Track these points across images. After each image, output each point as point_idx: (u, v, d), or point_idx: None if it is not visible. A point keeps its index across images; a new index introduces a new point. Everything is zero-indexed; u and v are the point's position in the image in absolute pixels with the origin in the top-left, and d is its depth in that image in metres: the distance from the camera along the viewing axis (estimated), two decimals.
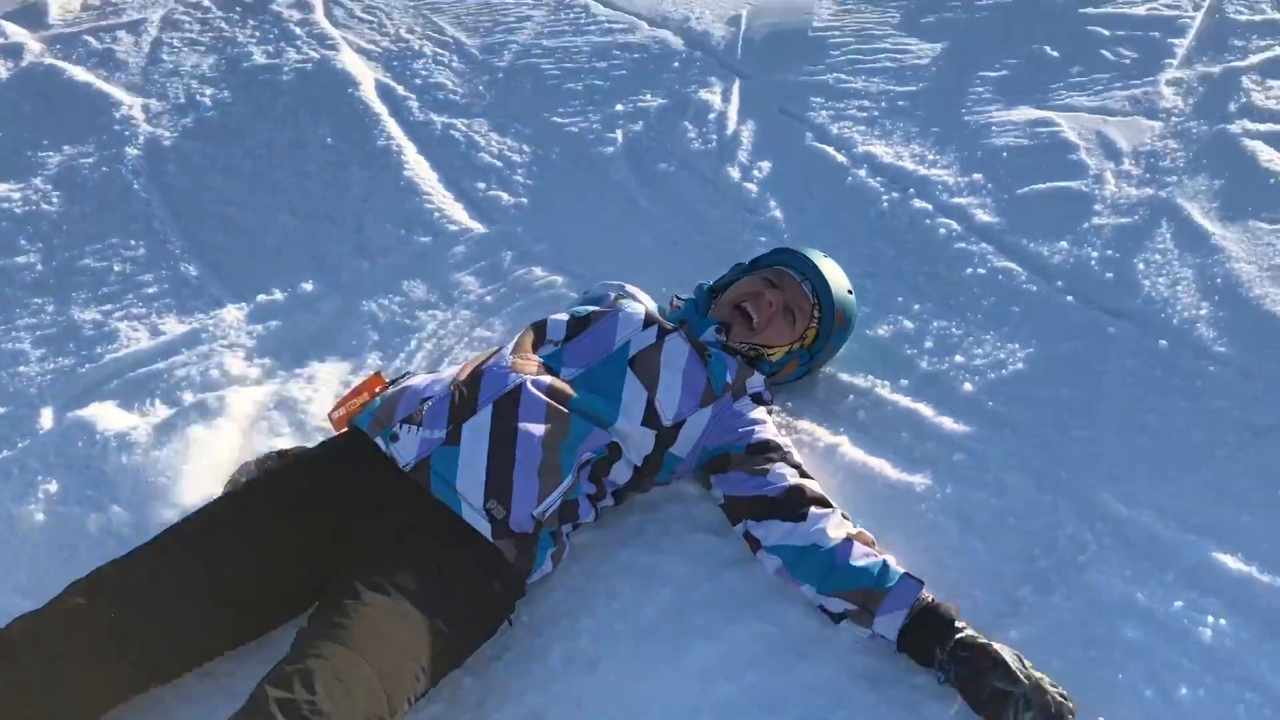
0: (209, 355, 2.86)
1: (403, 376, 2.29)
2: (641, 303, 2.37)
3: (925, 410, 2.38)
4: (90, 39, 4.57)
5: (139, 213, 3.50)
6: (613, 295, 2.40)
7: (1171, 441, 2.24)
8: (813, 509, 2.02)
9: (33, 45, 4.56)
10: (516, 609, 2.02)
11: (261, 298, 3.05)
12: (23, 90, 4.27)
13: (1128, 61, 3.43)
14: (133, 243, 3.37)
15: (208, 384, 2.76)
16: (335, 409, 2.28)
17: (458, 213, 3.29)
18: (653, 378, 2.16)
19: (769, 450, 2.14)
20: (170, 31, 4.63)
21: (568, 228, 3.18)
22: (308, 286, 3.07)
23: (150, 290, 3.16)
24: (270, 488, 2.07)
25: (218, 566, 1.91)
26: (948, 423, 2.34)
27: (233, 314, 3.00)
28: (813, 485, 2.08)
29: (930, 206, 2.98)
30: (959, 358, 2.50)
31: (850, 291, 2.44)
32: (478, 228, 3.22)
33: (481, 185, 3.40)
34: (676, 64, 3.85)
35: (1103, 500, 2.13)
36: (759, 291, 2.36)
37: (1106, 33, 3.58)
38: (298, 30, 4.47)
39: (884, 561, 1.92)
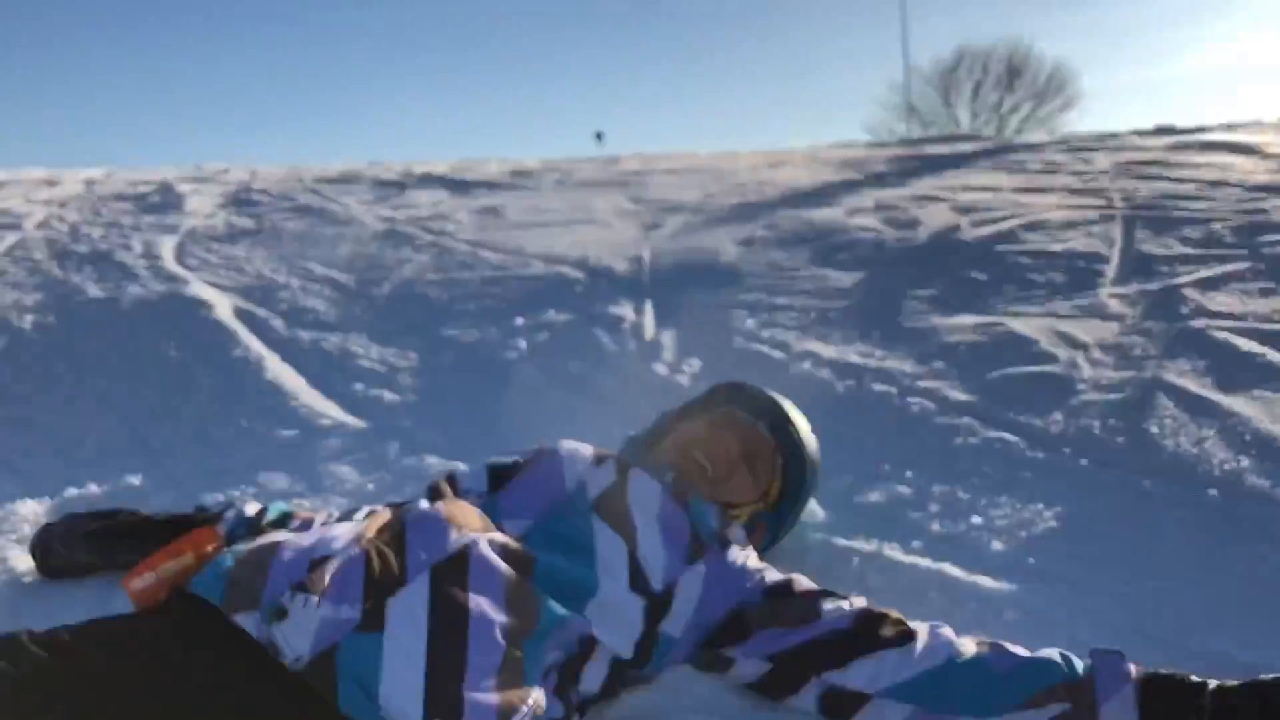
0: None
1: (252, 533, 1.63)
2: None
3: (953, 570, 1.85)
4: None
5: None
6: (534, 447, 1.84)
7: (1267, 584, 1.76)
8: (913, 625, 1.45)
9: None
10: None
11: (72, 491, 2.34)
12: None
13: (1060, 280, 3.29)
14: None
15: None
16: (136, 574, 1.54)
17: (330, 409, 2.73)
18: (627, 527, 1.54)
19: (800, 588, 1.56)
20: None
21: (467, 420, 2.64)
22: (134, 480, 2.39)
23: None
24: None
25: None
26: (986, 581, 1.81)
27: (29, 508, 2.28)
28: (876, 607, 1.50)
29: (894, 389, 2.60)
30: (976, 519, 2.02)
31: (812, 433, 1.95)
32: (355, 422, 2.65)
33: (359, 386, 2.86)
34: (579, 289, 3.52)
35: (1219, 649, 1.60)
36: (706, 437, 1.81)
37: (1030, 261, 3.46)
38: (143, 272, 4.00)
39: (1055, 650, 1.39)
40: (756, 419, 1.87)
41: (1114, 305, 3.04)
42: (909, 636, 1.42)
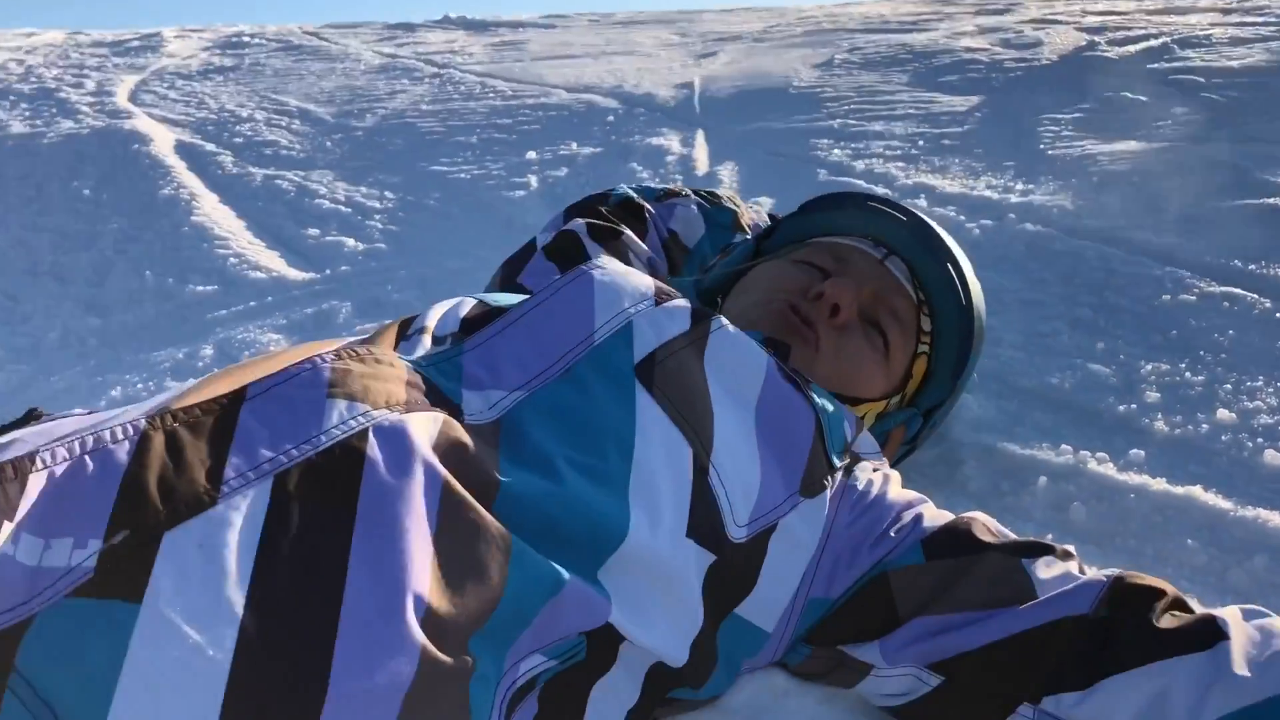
0: None
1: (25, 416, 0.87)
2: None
3: (1213, 499, 1.10)
4: None
5: None
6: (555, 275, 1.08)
7: None
8: (1206, 609, 0.74)
9: None
10: None
11: None
12: None
13: (1249, 99, 2.45)
14: None
15: None
16: None
17: (269, 260, 2.00)
18: (699, 415, 0.81)
19: (985, 534, 0.83)
20: None
21: (448, 277, 1.90)
22: None
23: None
24: None
25: None
26: (1274, 517, 1.06)
27: None
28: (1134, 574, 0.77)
29: (1053, 230, 1.82)
30: (1224, 413, 1.25)
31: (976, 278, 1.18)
32: (298, 275, 1.92)
33: (314, 232, 2.13)
34: (611, 119, 2.74)
35: None
36: (808, 285, 1.05)
37: (1202, 80, 2.62)
38: (84, 109, 3.26)
39: None
40: (886, 253, 1.11)
41: None
42: (1211, 630, 0.70)
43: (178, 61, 4.19)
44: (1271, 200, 1.83)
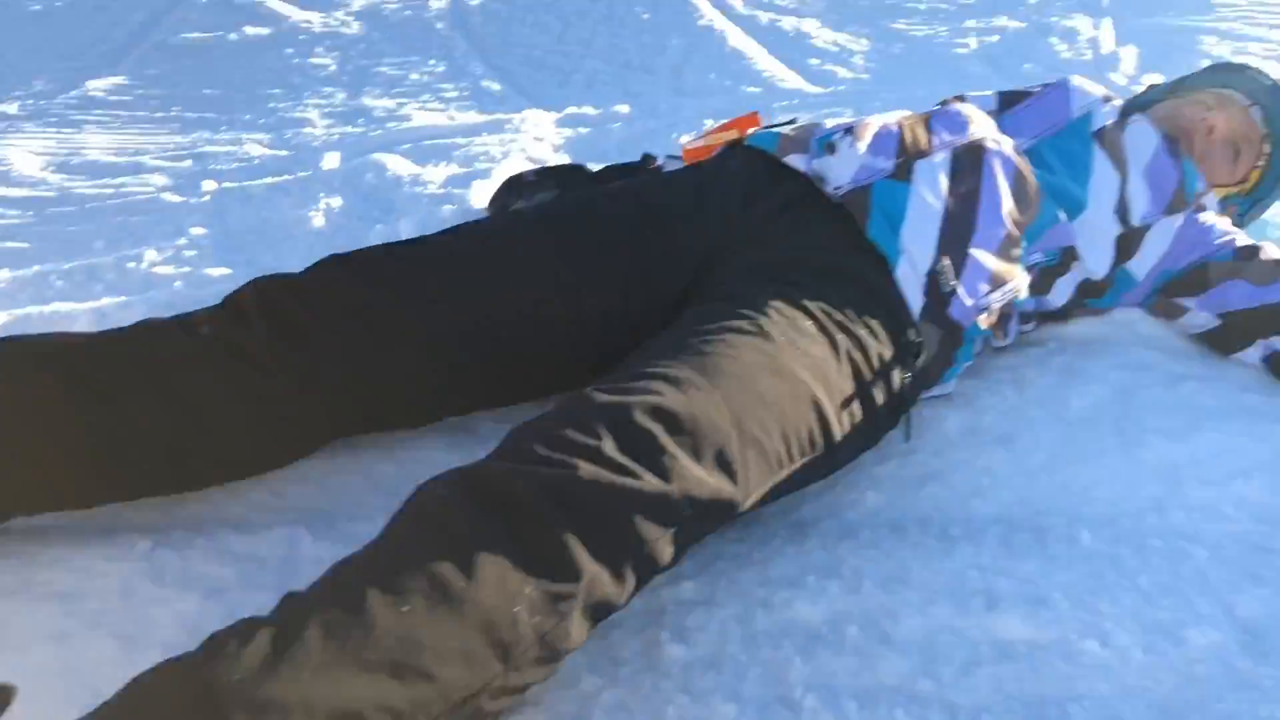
0: (512, 140, 2.53)
1: (789, 121, 1.82)
2: None
3: None
4: None
5: (440, 44, 3.29)
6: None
7: None
8: None
9: None
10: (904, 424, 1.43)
11: (572, 109, 2.72)
12: None
13: None
14: (432, 62, 3.14)
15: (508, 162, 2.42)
16: (694, 140, 1.84)
17: (790, 77, 2.94)
18: (1122, 161, 1.65)
19: (1267, 253, 1.62)
20: None
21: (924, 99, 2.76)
22: (622, 109, 2.73)
23: (450, 94, 2.89)
24: (584, 211, 1.48)
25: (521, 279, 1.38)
26: None
27: (540, 115, 2.68)
28: None
29: None
30: None
31: None
32: (813, 88, 2.85)
33: (815, 61, 3.04)
34: (1033, 0, 3.46)
35: None
36: (1203, 114, 1.81)
37: None
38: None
39: None
40: (1252, 103, 1.88)
41: None
42: None
43: None
44: None
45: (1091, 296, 1.67)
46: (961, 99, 1.77)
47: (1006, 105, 1.74)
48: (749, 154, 1.58)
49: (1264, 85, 1.89)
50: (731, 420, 1.12)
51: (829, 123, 1.59)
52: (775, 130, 1.60)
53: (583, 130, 2.60)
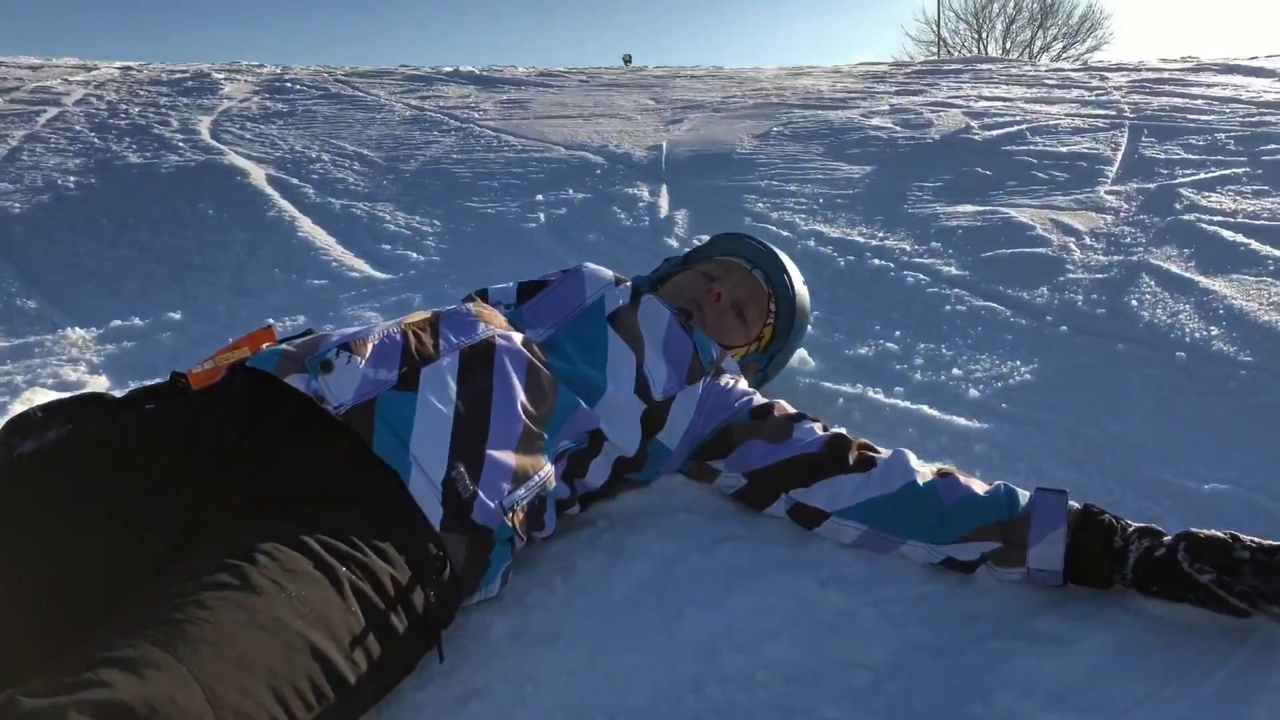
0: (40, 368, 2.28)
1: (305, 333, 1.75)
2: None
3: (930, 411, 2.01)
4: None
5: None
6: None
7: (1221, 429, 1.91)
8: (878, 454, 1.59)
9: None
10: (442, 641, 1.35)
11: (116, 323, 2.52)
12: None
13: (1062, 179, 3.40)
14: None
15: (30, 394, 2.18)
16: (201, 364, 1.67)
17: (359, 265, 2.89)
18: (636, 341, 1.71)
19: (779, 411, 1.71)
20: (33, 143, 4.24)
21: (487, 280, 2.78)
22: (175, 315, 2.56)
23: None
24: (74, 453, 1.33)
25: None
26: (960, 420, 1.97)
27: (77, 335, 2.46)
28: (854, 437, 1.66)
29: (891, 264, 2.74)
30: (956, 371, 2.17)
31: (804, 283, 2.10)
32: (382, 275, 2.81)
33: (387, 247, 3.02)
34: (598, 172, 3.66)
35: (1164, 478, 1.76)
36: (707, 283, 1.94)
37: (1035, 160, 3.57)
38: (180, 144, 4.14)
39: (1002, 486, 1.49)
40: (753, 267, 2.01)
41: (1111, 200, 3.17)
42: (869, 463, 1.57)
43: (238, 104, 5.05)
44: (1033, 250, 2.76)
45: (631, 470, 1.69)
46: (484, 294, 1.78)
47: (526, 296, 1.76)
48: (251, 377, 1.48)
49: (760, 251, 2.03)
50: (204, 697, 0.98)
51: (335, 334, 1.52)
52: (279, 348, 1.51)
53: (127, 345, 2.40)
